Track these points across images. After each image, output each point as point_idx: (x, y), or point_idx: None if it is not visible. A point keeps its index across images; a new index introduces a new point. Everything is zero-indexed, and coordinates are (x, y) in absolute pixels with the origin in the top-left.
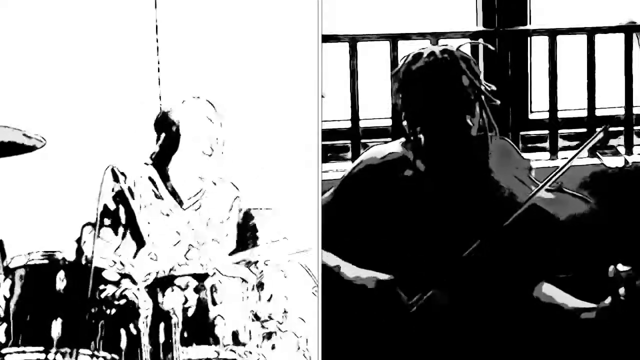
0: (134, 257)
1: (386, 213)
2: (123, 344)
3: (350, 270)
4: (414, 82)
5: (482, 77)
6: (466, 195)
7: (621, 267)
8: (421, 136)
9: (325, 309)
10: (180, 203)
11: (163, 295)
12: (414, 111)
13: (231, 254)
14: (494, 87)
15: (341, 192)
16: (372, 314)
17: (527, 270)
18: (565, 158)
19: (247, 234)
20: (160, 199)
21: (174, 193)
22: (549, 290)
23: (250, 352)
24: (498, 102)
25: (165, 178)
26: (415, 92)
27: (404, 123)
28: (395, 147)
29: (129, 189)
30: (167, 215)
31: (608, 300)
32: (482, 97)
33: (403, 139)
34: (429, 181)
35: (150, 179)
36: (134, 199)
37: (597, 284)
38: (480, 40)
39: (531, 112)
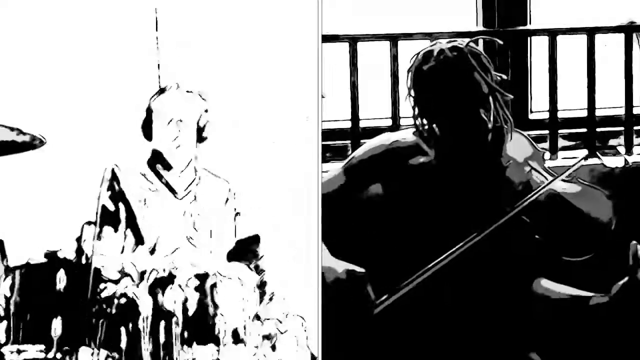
0: (133, 253)
1: (393, 199)
2: (123, 343)
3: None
4: (426, 81)
5: (492, 70)
6: (480, 186)
7: None
8: (436, 130)
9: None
10: (175, 193)
11: (163, 295)
12: (428, 109)
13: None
14: (504, 76)
15: (354, 175)
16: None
17: (534, 261)
18: (565, 158)
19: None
20: (155, 191)
21: (167, 184)
22: (548, 285)
23: (251, 352)
24: (511, 96)
25: (156, 172)
26: (428, 91)
27: (417, 121)
28: (407, 134)
29: (120, 190)
30: (162, 206)
31: (623, 281)
32: (495, 91)
33: (414, 129)
34: (441, 171)
35: (141, 174)
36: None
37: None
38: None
39: (531, 112)
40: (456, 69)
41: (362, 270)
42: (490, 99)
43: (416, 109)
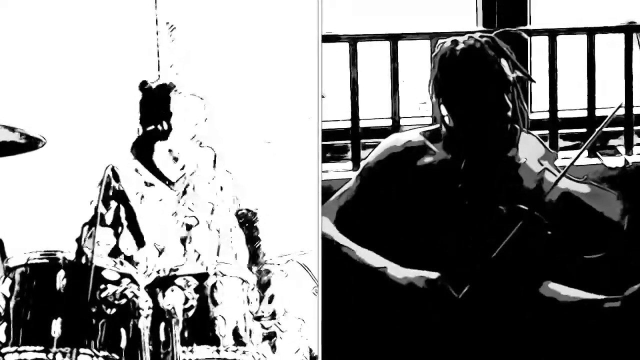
0: (134, 254)
1: (411, 202)
2: (123, 343)
3: (396, 271)
4: (455, 63)
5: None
6: (492, 182)
7: None
8: (449, 121)
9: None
10: (170, 184)
11: (163, 295)
12: (453, 92)
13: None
14: (526, 71)
15: (367, 180)
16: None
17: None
18: (565, 158)
19: (248, 232)
20: (151, 185)
21: (161, 176)
22: (556, 287)
23: (251, 352)
24: (534, 80)
25: (149, 165)
26: (456, 73)
27: (440, 108)
28: (414, 135)
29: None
30: (161, 200)
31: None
32: (517, 84)
33: (421, 129)
34: (451, 168)
35: (136, 170)
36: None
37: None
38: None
39: (531, 112)
40: (486, 53)
41: (437, 274)
42: (511, 87)
43: (437, 96)
